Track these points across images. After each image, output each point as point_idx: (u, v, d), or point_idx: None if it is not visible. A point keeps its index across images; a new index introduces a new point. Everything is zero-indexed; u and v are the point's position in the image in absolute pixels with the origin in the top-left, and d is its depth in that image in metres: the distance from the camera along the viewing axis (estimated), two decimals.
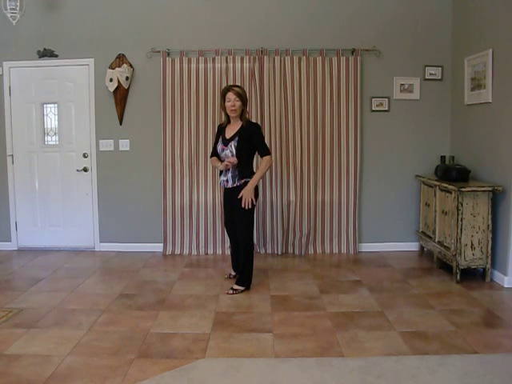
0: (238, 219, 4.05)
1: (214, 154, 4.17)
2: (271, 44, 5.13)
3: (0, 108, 5.37)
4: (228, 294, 4.02)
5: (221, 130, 4.16)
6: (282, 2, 5.19)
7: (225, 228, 4.42)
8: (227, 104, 3.95)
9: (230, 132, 4.04)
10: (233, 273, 4.43)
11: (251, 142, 3.96)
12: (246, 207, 3.92)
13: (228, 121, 4.09)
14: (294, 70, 5.14)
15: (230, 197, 4.05)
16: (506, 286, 4.13)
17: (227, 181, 4.03)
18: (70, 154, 5.43)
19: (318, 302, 3.84)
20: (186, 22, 5.20)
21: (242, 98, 3.95)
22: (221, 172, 4.11)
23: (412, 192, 5.32)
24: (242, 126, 3.99)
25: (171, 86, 5.16)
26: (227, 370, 2.76)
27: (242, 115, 4.00)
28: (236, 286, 4.09)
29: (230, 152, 3.97)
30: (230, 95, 3.93)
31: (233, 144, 3.95)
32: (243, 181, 3.97)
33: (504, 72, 4.20)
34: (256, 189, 4.06)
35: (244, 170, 3.99)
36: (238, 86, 4.07)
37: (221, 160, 4.08)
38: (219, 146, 4.07)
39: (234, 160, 3.91)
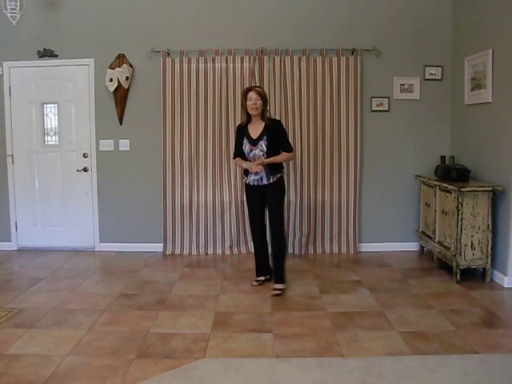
0: (273, 213, 4.09)
1: (238, 154, 4.17)
2: (271, 44, 5.14)
3: (0, 108, 5.38)
4: (276, 295, 3.96)
5: (241, 130, 4.16)
6: (282, 2, 5.18)
7: (252, 232, 4.29)
8: (248, 103, 4.02)
9: (255, 132, 4.07)
10: (262, 278, 4.30)
11: (277, 138, 4.05)
12: (254, 170, 3.96)
13: (248, 121, 4.11)
14: (294, 70, 5.14)
15: (264, 193, 4.08)
16: (506, 286, 4.13)
17: (261, 179, 4.06)
18: (69, 154, 5.43)
19: (318, 302, 3.84)
20: (186, 22, 5.20)
21: (263, 97, 4.05)
22: (246, 171, 4.12)
23: (412, 192, 5.31)
24: (265, 124, 4.05)
25: (171, 85, 5.16)
26: (227, 370, 2.76)
27: (263, 114, 4.06)
28: (279, 286, 4.05)
29: (260, 151, 4.01)
30: (252, 94, 4.01)
31: (263, 143, 4.01)
32: (278, 175, 4.07)
33: (504, 72, 4.19)
34: (283, 185, 4.17)
35: (276, 165, 4.07)
36: (259, 87, 4.22)
37: (247, 161, 4.08)
38: (247, 147, 4.07)
39: (261, 169, 3.96)
